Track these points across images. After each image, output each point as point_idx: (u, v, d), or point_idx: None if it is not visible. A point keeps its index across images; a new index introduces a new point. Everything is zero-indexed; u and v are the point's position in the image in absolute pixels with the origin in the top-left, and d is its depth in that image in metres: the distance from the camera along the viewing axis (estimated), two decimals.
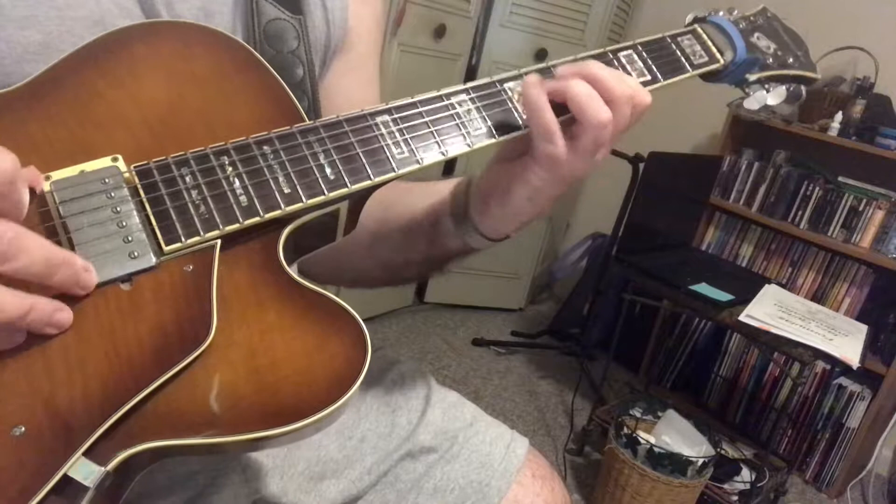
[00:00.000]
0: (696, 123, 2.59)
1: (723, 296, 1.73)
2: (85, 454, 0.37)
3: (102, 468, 0.36)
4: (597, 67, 0.50)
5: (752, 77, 0.67)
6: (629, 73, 0.58)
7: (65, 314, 0.38)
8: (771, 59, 0.67)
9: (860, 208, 2.10)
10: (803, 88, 0.70)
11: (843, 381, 2.10)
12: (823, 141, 2.09)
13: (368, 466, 0.65)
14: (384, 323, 2.52)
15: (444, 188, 0.61)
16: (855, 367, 1.52)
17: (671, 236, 2.20)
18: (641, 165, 2.12)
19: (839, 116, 2.08)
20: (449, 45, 2.33)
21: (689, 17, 0.66)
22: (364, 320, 0.44)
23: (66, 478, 0.36)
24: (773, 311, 1.68)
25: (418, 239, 0.63)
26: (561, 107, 0.50)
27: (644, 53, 0.60)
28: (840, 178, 2.18)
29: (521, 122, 0.53)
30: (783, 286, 1.99)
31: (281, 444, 0.41)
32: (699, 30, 0.64)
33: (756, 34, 0.67)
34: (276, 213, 0.45)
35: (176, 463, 0.57)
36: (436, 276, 0.68)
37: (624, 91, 0.50)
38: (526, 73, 0.54)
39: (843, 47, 2.11)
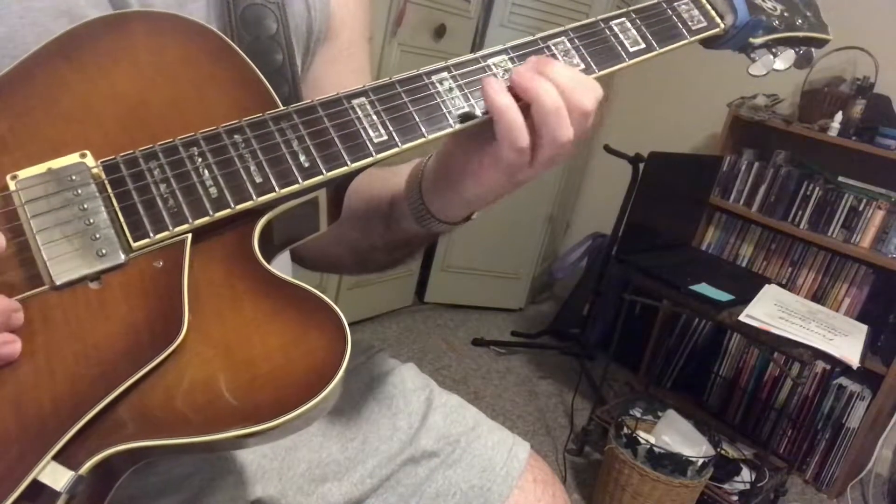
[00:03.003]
0: (696, 123, 2.59)
1: (723, 296, 1.73)
2: (55, 458, 0.36)
3: (74, 472, 0.36)
4: (563, 76, 0.47)
5: (758, 41, 0.62)
6: (622, 42, 0.55)
7: (11, 347, 0.37)
8: (777, 21, 0.63)
9: (860, 208, 2.10)
10: (814, 51, 0.66)
11: (843, 381, 2.09)
12: (823, 141, 2.08)
13: (370, 470, 0.65)
14: (384, 323, 2.52)
15: (404, 171, 0.59)
16: (855, 367, 1.52)
17: (671, 236, 2.19)
18: (641, 165, 2.12)
19: (839, 116, 2.07)
20: (449, 45, 2.33)
21: None
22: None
23: (36, 483, 0.35)
24: (773, 311, 1.68)
25: (377, 223, 0.61)
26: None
27: (638, 21, 0.56)
28: (840, 178, 2.18)
29: None
30: (783, 286, 1.99)
31: (267, 441, 0.40)
32: None
33: None
34: (248, 204, 0.44)
35: (170, 464, 0.57)
36: (408, 262, 0.65)
37: (591, 104, 0.47)
38: (512, 48, 0.52)
39: (843, 47, 2.11)
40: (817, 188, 2.17)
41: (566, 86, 0.47)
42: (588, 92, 0.48)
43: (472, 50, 2.69)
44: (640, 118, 2.69)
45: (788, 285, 2.21)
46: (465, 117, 0.49)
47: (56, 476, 0.35)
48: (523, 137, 0.47)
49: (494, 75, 0.51)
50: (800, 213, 2.20)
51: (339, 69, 0.66)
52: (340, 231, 0.62)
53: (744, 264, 2.36)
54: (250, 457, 0.63)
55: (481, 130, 0.50)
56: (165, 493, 0.56)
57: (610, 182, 2.60)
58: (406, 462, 0.66)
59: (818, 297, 2.20)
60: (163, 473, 0.56)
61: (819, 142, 2.10)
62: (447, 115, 0.49)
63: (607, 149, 2.27)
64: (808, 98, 2.21)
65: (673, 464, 1.55)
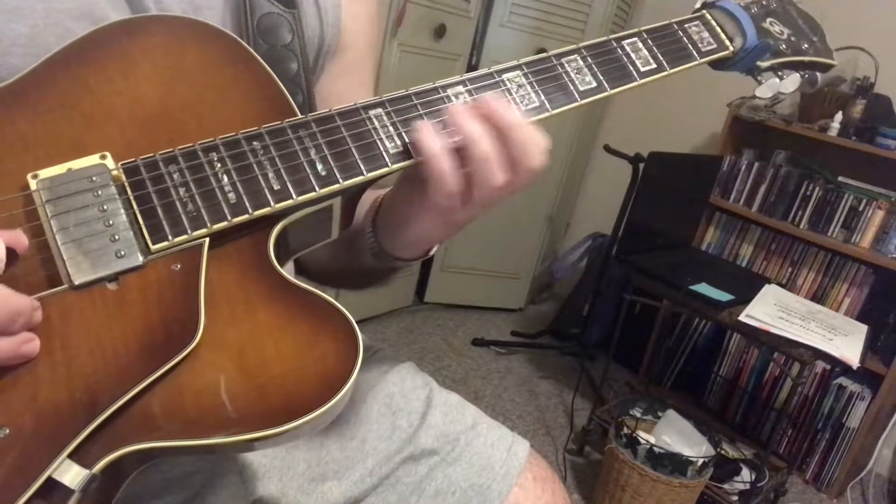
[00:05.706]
0: (696, 123, 2.59)
1: (723, 296, 1.73)
2: (70, 456, 0.36)
3: (88, 471, 0.36)
4: (511, 120, 0.46)
5: (764, 64, 0.64)
6: (634, 62, 0.56)
7: (31, 345, 0.38)
8: (784, 45, 0.64)
9: (860, 208, 2.10)
10: (819, 75, 0.67)
11: (843, 381, 2.09)
12: (823, 141, 2.08)
13: (370, 468, 0.65)
14: (384, 323, 2.52)
15: (367, 201, 0.59)
16: (855, 367, 1.52)
17: (671, 236, 2.20)
18: (641, 165, 2.12)
19: (839, 116, 2.07)
20: (449, 45, 2.33)
21: (698, 3, 0.63)
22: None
23: (50, 480, 0.35)
24: (773, 311, 1.68)
25: (342, 254, 0.62)
26: None
27: (650, 41, 0.58)
28: (840, 178, 2.18)
29: None
30: (783, 286, 1.99)
31: (274, 445, 0.40)
32: (708, 16, 0.62)
33: (769, 19, 0.64)
34: (266, 210, 0.45)
35: (172, 463, 0.57)
36: (377, 288, 0.66)
37: (530, 163, 0.46)
38: (525, 63, 0.53)
39: (843, 47, 2.11)
40: (817, 188, 2.17)
41: (518, 140, 0.46)
42: (535, 149, 0.47)
43: (472, 50, 2.70)
44: (640, 118, 2.69)
45: (788, 285, 2.21)
46: (400, 157, 0.49)
47: (70, 474, 0.36)
48: (452, 183, 0.47)
49: (509, 90, 0.51)
50: (800, 213, 2.20)
51: (347, 82, 0.66)
52: (312, 252, 0.63)
53: (744, 264, 2.36)
54: (251, 456, 0.63)
55: (419, 175, 0.50)
56: (167, 492, 0.56)
57: (610, 182, 2.60)
58: (406, 460, 0.66)
59: (818, 297, 2.21)
60: (165, 472, 0.56)
61: (819, 142, 2.10)
62: None
63: (607, 149, 2.27)
64: (808, 98, 2.21)
65: (673, 464, 1.55)
